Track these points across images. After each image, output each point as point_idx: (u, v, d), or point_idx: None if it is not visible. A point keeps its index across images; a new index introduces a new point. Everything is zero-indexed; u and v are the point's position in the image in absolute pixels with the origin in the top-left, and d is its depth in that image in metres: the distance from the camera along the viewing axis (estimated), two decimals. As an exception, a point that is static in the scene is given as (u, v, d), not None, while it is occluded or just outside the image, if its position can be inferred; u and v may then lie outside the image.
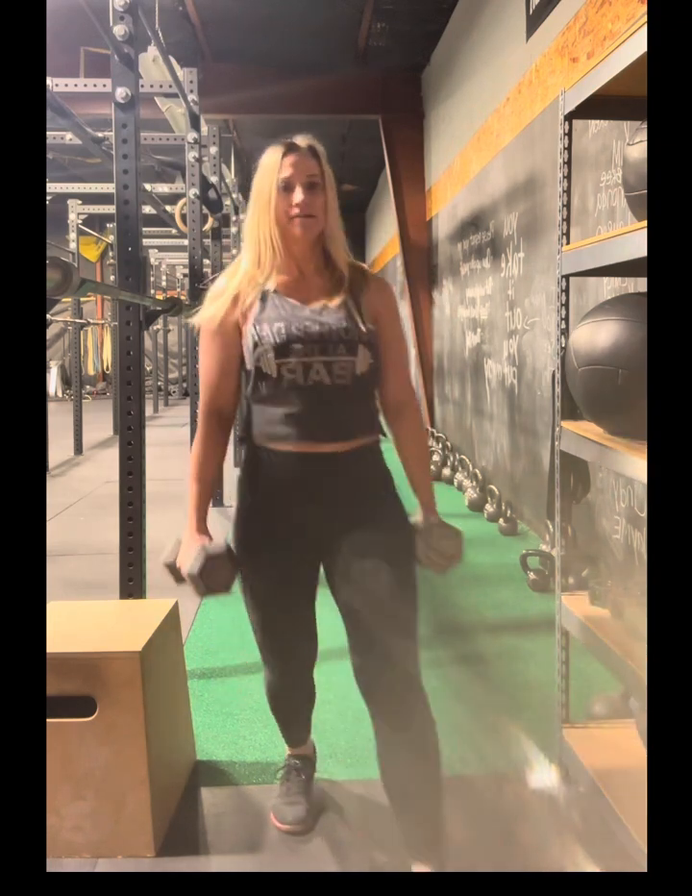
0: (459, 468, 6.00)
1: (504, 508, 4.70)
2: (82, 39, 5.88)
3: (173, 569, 1.55)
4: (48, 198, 6.81)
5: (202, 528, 1.56)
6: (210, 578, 1.49)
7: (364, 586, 1.51)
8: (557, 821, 1.83)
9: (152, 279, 11.17)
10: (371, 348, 1.51)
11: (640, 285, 2.78)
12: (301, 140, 1.52)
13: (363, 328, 1.50)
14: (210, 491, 1.58)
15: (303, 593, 1.63)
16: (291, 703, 1.81)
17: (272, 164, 1.49)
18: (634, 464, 1.50)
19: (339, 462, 1.52)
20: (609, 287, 3.16)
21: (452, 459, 6.24)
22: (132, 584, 2.42)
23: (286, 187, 1.48)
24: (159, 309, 2.84)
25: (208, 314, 1.55)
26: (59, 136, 4.95)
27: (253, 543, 1.58)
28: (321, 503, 1.54)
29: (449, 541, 1.57)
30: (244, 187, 11.26)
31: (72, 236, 7.80)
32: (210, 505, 1.60)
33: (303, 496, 1.53)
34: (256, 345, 1.48)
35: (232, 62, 7.11)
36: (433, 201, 7.34)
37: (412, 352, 7.87)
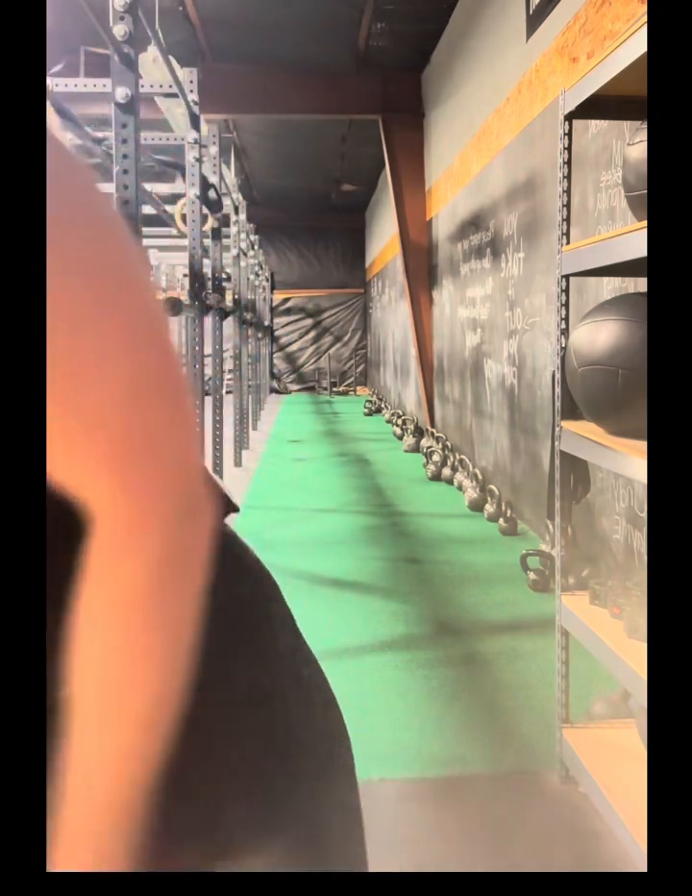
0: (459, 468, 6.00)
1: (504, 508, 4.70)
2: (82, 39, 5.88)
3: None
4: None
5: None
6: None
7: None
8: (558, 821, 1.83)
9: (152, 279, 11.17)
10: None
11: (640, 285, 2.78)
12: None
13: None
14: None
15: None
16: None
17: None
18: (634, 464, 1.50)
19: None
20: (609, 287, 3.16)
21: (452, 459, 6.24)
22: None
23: None
24: (159, 309, 2.84)
25: None
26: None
27: None
28: None
29: None
30: (244, 188, 11.27)
31: (72, 236, 7.78)
32: None
33: None
34: None
35: (232, 62, 7.11)
36: (433, 201, 7.34)
37: (412, 352, 7.85)
